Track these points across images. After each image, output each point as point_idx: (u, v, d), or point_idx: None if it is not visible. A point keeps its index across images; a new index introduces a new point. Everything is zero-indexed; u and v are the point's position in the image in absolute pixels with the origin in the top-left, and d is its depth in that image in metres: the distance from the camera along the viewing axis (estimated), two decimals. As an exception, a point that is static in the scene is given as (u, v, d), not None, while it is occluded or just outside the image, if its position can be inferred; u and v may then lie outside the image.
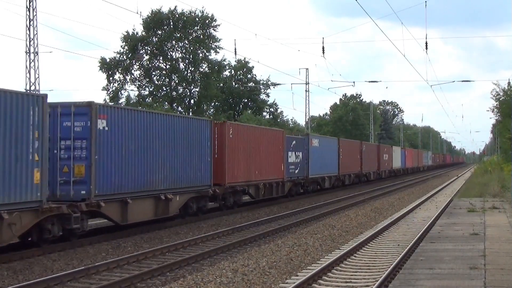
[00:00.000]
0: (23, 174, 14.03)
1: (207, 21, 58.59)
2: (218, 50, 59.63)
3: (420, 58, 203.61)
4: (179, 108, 59.40)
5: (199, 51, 59.15)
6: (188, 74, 60.20)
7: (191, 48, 58.69)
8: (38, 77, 34.37)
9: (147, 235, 18.70)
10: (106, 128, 16.90)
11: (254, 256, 14.47)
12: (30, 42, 34.01)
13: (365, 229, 20.09)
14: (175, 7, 58.07)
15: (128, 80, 58.89)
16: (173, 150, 20.39)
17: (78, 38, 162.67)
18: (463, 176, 72.74)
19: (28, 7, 33.72)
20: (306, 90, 58.16)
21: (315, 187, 38.11)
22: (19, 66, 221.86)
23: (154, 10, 57.74)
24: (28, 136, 14.23)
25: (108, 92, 58.05)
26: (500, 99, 54.43)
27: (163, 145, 19.77)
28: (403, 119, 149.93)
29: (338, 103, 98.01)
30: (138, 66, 59.02)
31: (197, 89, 60.45)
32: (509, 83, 56.90)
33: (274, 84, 72.13)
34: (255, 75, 71.65)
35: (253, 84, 71.35)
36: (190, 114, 56.63)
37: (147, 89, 60.02)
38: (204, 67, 60.34)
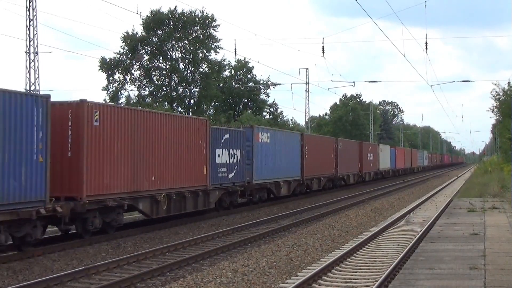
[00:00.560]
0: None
1: (207, 21, 58.61)
2: (218, 50, 59.74)
3: (420, 58, 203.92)
4: (179, 108, 59.40)
5: (199, 51, 59.16)
6: (188, 74, 60.21)
7: (191, 48, 58.70)
8: (38, 77, 34.39)
9: (147, 235, 18.69)
10: None
11: (254, 256, 14.47)
12: (30, 42, 34.02)
13: (365, 229, 20.08)
14: (175, 7, 58.22)
15: (128, 80, 58.96)
16: None
17: (78, 38, 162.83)
18: (463, 176, 72.73)
19: (28, 7, 33.73)
20: (306, 90, 58.28)
21: (264, 196, 29.35)
22: (19, 66, 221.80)
23: (154, 10, 57.85)
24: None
25: (108, 92, 58.15)
26: (500, 99, 54.43)
27: None
28: (403, 119, 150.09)
29: (338, 103, 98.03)
30: (138, 66, 59.05)
31: (197, 89, 60.46)
32: (509, 83, 56.94)
33: (274, 84, 72.24)
34: (255, 75, 71.78)
35: (253, 84, 71.36)
36: (190, 114, 56.57)
37: (147, 89, 60.08)
38: (204, 67, 60.39)
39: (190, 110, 59.80)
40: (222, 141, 24.68)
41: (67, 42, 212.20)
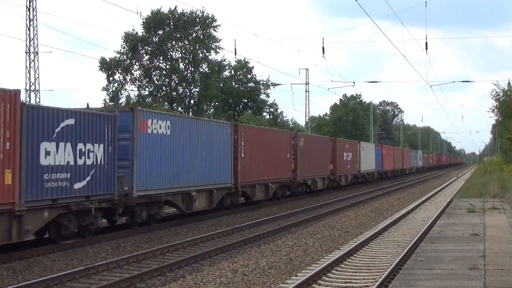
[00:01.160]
0: None
1: (207, 21, 58.58)
2: (218, 50, 59.71)
3: (420, 58, 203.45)
4: (179, 108, 59.40)
5: (199, 51, 59.14)
6: (188, 74, 60.19)
7: (191, 48, 58.66)
8: (38, 77, 34.43)
9: (147, 235, 18.69)
10: None
11: (254, 256, 14.47)
12: (30, 42, 34.06)
13: (365, 229, 20.09)
14: (175, 7, 58.16)
15: (128, 80, 58.87)
16: None
17: (78, 38, 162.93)
18: (463, 176, 72.74)
19: (28, 7, 33.76)
20: (306, 90, 58.31)
21: (159, 213, 20.52)
22: (19, 66, 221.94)
23: (154, 10, 57.83)
24: None
25: (108, 92, 58.13)
26: (500, 99, 54.40)
27: None
28: (403, 120, 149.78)
29: (338, 103, 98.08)
30: (138, 66, 59.02)
31: (197, 89, 60.44)
32: (509, 83, 56.82)
33: (274, 84, 72.22)
34: (255, 75, 71.78)
35: (253, 84, 71.37)
36: (190, 114, 56.58)
37: (147, 89, 60.03)
38: (204, 67, 60.34)
39: (190, 110, 59.80)
40: (58, 129, 15.45)
41: (67, 42, 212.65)
